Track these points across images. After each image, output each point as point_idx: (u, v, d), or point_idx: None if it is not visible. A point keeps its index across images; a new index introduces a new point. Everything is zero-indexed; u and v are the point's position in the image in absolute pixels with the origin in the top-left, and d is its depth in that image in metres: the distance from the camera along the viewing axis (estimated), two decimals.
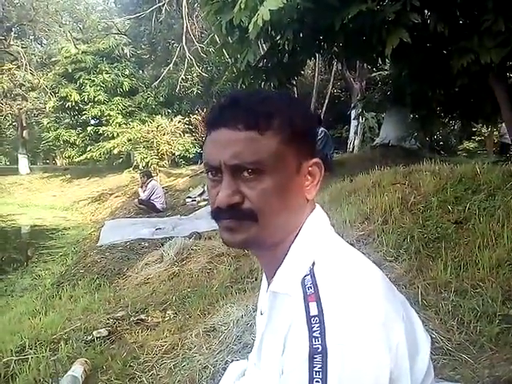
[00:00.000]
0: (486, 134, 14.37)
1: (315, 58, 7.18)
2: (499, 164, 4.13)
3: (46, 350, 2.63)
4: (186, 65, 12.32)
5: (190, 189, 10.59)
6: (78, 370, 2.07)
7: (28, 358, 2.56)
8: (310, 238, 0.73)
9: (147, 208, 8.74)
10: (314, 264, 0.69)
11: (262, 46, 8.52)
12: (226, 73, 7.25)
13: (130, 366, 2.20)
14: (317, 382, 0.59)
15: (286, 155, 0.69)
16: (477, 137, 14.97)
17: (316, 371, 0.59)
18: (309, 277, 0.67)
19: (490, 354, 1.80)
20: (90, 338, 2.65)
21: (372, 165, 5.12)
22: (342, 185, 4.89)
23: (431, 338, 1.96)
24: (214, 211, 0.74)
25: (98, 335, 2.62)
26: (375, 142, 9.10)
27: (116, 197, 12.77)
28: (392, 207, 3.48)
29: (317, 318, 0.62)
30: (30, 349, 2.72)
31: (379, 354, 0.61)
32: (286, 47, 5.72)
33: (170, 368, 2.06)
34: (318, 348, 0.60)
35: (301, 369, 0.60)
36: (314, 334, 0.61)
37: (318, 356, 0.59)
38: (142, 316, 2.92)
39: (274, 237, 0.72)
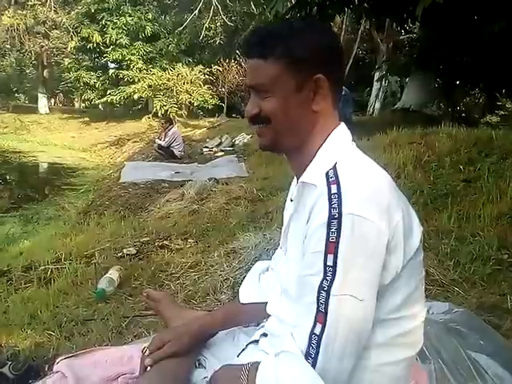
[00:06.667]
0: (510, 109, 14.08)
1: (344, 14, 7.08)
2: None
3: (80, 262, 2.94)
4: (211, 12, 12.11)
5: (207, 140, 10.74)
6: (114, 273, 2.37)
7: (64, 268, 2.87)
8: (334, 145, 0.93)
9: (165, 154, 8.93)
10: (336, 163, 0.89)
11: None
12: (253, 22, 7.19)
13: (158, 276, 2.49)
14: (332, 239, 0.80)
15: (285, 77, 0.89)
16: (500, 111, 14.68)
17: (332, 231, 0.80)
18: (332, 171, 0.87)
19: (480, 290, 2.04)
20: (120, 254, 2.95)
21: (391, 127, 5.18)
22: (358, 143, 5.01)
23: (428, 273, 2.20)
24: (248, 120, 0.99)
25: (128, 253, 2.92)
26: (396, 106, 9.07)
27: (134, 142, 12.92)
28: (406, 164, 3.65)
29: (336, 194, 0.83)
30: (65, 260, 3.02)
31: (381, 224, 0.81)
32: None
33: (195, 279, 2.35)
34: (335, 215, 0.80)
35: (321, 229, 0.81)
36: (333, 206, 0.81)
37: (334, 221, 0.80)
38: (166, 242, 3.20)
39: (289, 138, 0.94)
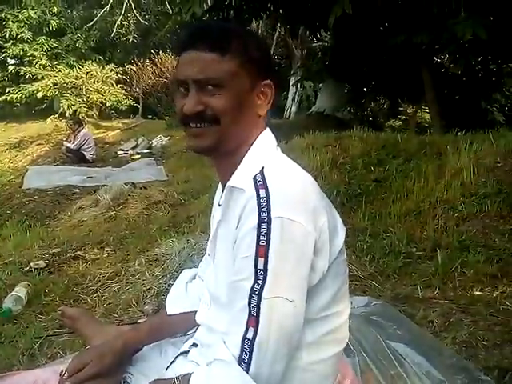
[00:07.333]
0: (410, 114, 15.47)
1: (261, 19, 7.24)
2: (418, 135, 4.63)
3: None
4: (123, 9, 11.61)
5: (122, 142, 10.28)
6: (21, 290, 2.13)
7: None
8: (260, 149, 0.93)
9: (75, 158, 8.33)
10: (263, 167, 0.89)
11: None
12: (170, 22, 7.04)
13: (73, 290, 2.30)
14: (262, 243, 0.80)
15: (241, 75, 0.86)
16: (402, 116, 16.05)
17: (262, 235, 0.80)
18: (259, 175, 0.87)
19: (394, 282, 2.19)
20: (26, 268, 2.67)
21: (307, 131, 5.38)
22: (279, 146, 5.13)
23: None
24: (182, 118, 0.90)
25: (36, 266, 2.65)
26: (311, 110, 9.45)
27: (38, 144, 11.85)
28: (323, 166, 3.82)
29: (265, 198, 0.82)
30: None
31: (308, 226, 0.82)
32: (233, 3, 5.73)
33: (115, 291, 2.21)
34: (265, 219, 0.80)
35: (251, 233, 0.81)
36: (262, 210, 0.81)
37: (264, 224, 0.80)
38: (80, 252, 2.97)
39: (231, 142, 0.91)
